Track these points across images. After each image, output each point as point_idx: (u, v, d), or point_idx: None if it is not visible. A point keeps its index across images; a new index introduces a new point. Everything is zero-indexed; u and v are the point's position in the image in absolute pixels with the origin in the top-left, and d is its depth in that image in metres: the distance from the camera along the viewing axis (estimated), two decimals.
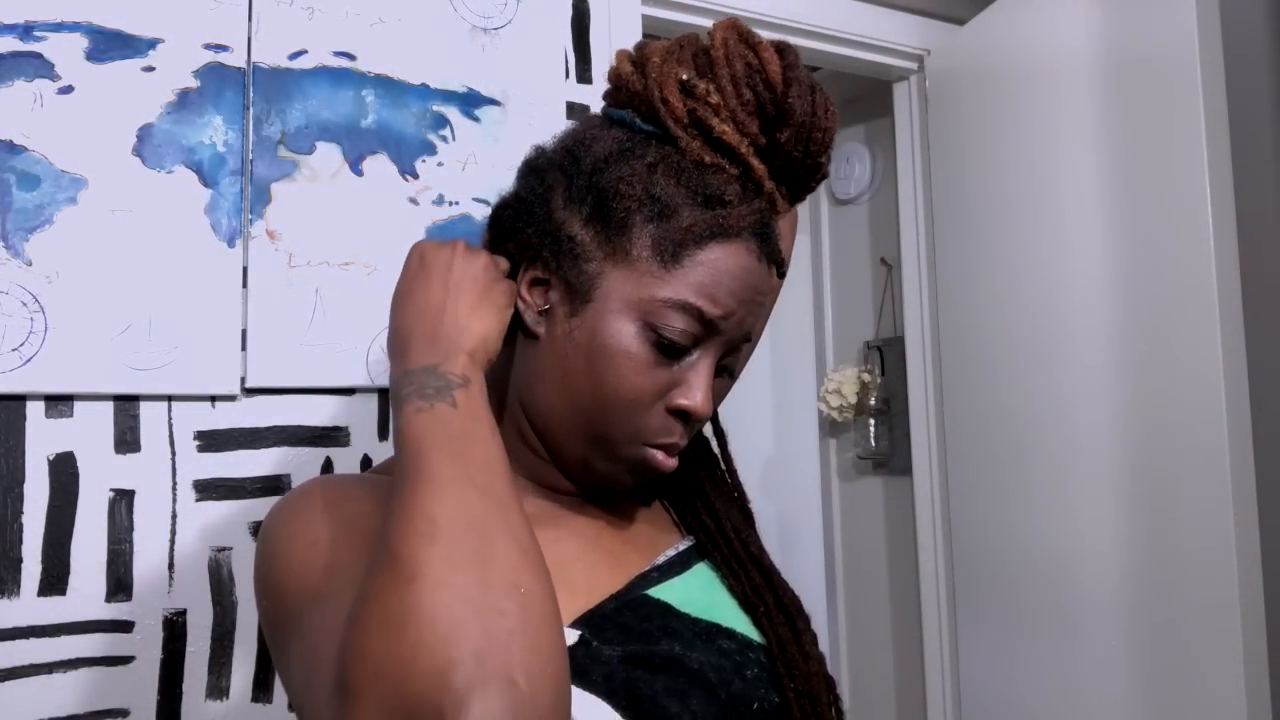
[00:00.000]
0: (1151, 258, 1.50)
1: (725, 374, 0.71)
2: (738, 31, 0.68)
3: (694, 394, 0.66)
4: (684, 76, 0.67)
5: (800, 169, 0.69)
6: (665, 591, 0.68)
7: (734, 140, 0.66)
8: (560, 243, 0.67)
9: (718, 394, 0.72)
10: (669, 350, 0.65)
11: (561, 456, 0.70)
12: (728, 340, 0.67)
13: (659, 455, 0.67)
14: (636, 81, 0.69)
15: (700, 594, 0.70)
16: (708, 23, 1.77)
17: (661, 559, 0.72)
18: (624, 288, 0.65)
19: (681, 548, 0.74)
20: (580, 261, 0.66)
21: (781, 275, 0.75)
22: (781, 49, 0.68)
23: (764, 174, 0.67)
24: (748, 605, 0.71)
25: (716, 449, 0.81)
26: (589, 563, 0.69)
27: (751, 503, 0.92)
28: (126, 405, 1.15)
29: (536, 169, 0.71)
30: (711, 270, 0.64)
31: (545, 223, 0.68)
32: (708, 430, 0.82)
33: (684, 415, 0.66)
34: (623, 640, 0.63)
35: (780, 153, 0.67)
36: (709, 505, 0.77)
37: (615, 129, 0.69)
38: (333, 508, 0.64)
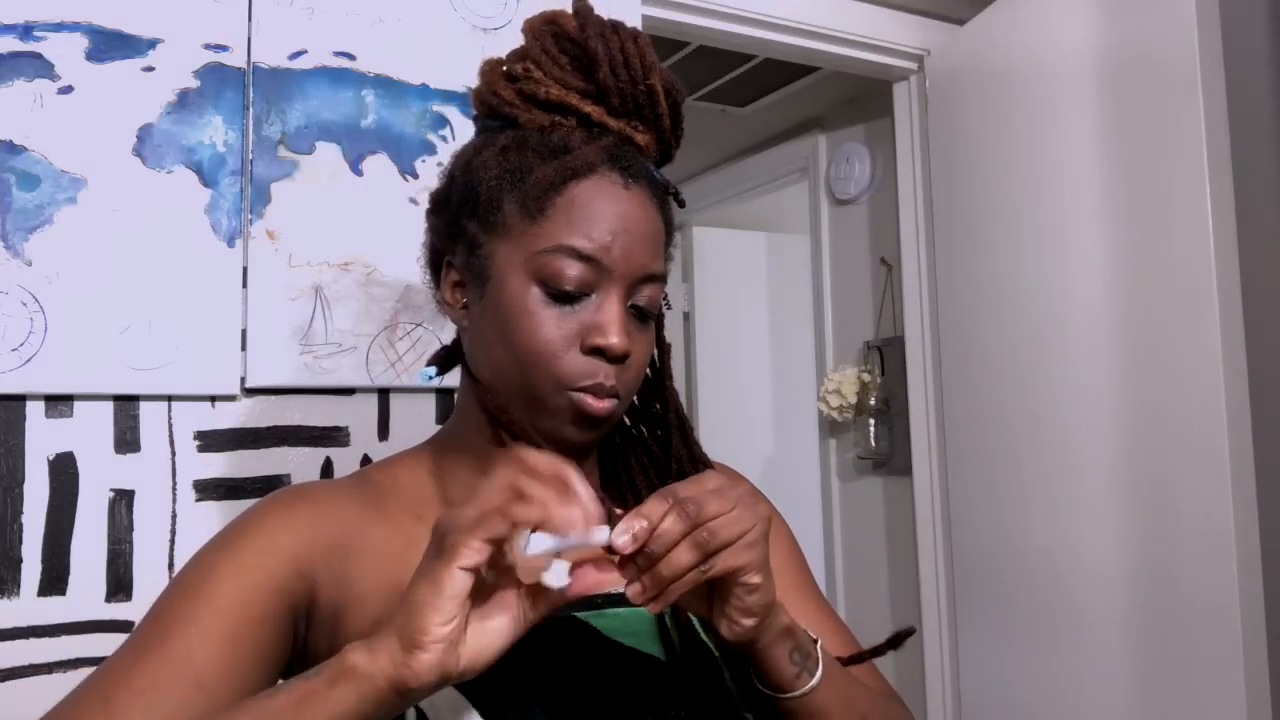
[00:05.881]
0: (1151, 257, 1.50)
1: (642, 317, 0.72)
2: (543, 16, 0.74)
3: (605, 331, 0.68)
4: (505, 68, 0.75)
5: (635, 98, 0.72)
6: (598, 618, 0.70)
7: (560, 95, 0.71)
8: (458, 243, 0.74)
9: (641, 341, 0.72)
10: (564, 298, 0.68)
11: (518, 431, 0.72)
12: (624, 277, 0.69)
13: (588, 399, 0.69)
14: (480, 92, 0.76)
15: (642, 629, 0.71)
16: (708, 23, 1.79)
17: (613, 589, 0.73)
18: (509, 255, 0.70)
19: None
20: (475, 251, 0.72)
21: (679, 202, 0.78)
22: (577, 7, 0.74)
23: (602, 114, 0.72)
24: (683, 649, 0.71)
25: (683, 447, 0.80)
26: None
27: None
28: (126, 405, 1.15)
29: (434, 198, 0.78)
30: (576, 208, 0.68)
31: (446, 232, 0.75)
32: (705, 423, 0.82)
33: (601, 354, 0.69)
34: (519, 651, 0.65)
35: (608, 91, 0.71)
36: None
37: (475, 138, 0.78)
38: (248, 555, 0.67)
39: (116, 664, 0.63)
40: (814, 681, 0.67)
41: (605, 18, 0.74)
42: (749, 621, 0.61)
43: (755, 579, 0.60)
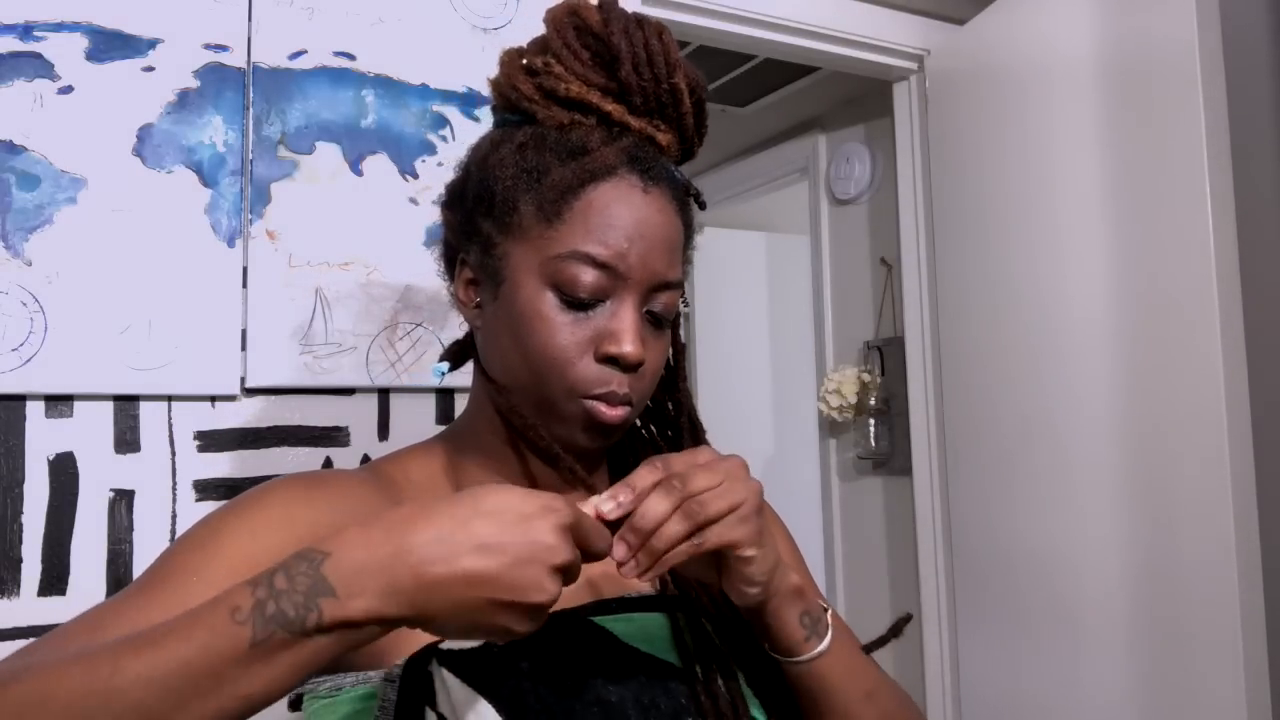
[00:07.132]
0: (1151, 257, 1.50)
1: (657, 323, 0.71)
2: (566, 5, 0.72)
3: (619, 339, 0.67)
4: (525, 61, 0.73)
5: (657, 96, 0.71)
6: (614, 623, 0.69)
7: (580, 92, 0.70)
8: (472, 241, 0.72)
9: (655, 348, 0.71)
10: (578, 304, 0.67)
11: (530, 434, 0.71)
12: (640, 284, 0.68)
13: (600, 406, 0.68)
14: (498, 84, 0.74)
15: (657, 634, 0.71)
16: (708, 23, 1.79)
17: (627, 594, 0.73)
18: (525, 258, 0.68)
19: (647, 594, 0.74)
20: (490, 251, 0.70)
21: (700, 204, 0.77)
22: (602, 1, 0.72)
23: (623, 113, 0.70)
24: (698, 655, 0.71)
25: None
26: None
27: None
28: (126, 405, 1.15)
29: (449, 191, 0.76)
30: (594, 213, 0.67)
31: (461, 229, 0.74)
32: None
33: (615, 362, 0.68)
34: (538, 655, 0.65)
35: (630, 89, 0.70)
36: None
37: (492, 132, 0.76)
38: (261, 521, 0.65)
39: (114, 601, 0.62)
40: (823, 646, 0.68)
41: (629, 11, 0.72)
42: (753, 590, 0.63)
43: (750, 552, 0.61)
